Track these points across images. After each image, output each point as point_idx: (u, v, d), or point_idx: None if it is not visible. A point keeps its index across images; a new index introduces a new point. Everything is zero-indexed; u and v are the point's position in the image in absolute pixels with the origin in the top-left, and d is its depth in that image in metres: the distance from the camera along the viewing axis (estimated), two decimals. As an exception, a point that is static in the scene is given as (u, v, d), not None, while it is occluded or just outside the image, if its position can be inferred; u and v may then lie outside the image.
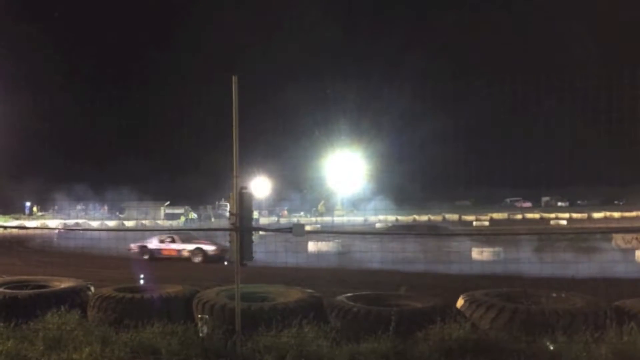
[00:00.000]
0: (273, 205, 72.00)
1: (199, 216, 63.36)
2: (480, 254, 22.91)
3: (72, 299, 9.01)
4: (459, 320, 7.58)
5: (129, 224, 53.38)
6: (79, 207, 66.73)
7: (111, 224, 53.58)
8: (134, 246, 26.01)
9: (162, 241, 25.68)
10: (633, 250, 23.33)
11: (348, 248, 26.75)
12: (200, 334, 7.26)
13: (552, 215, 61.99)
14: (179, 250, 24.92)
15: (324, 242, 26.26)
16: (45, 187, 59.54)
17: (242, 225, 7.40)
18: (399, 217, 60.02)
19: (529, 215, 65.51)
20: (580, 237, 27.12)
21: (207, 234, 27.85)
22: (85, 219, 57.15)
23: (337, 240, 26.64)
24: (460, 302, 8.47)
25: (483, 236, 31.04)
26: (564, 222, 55.49)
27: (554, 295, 8.89)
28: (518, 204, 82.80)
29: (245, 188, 7.55)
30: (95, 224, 52.02)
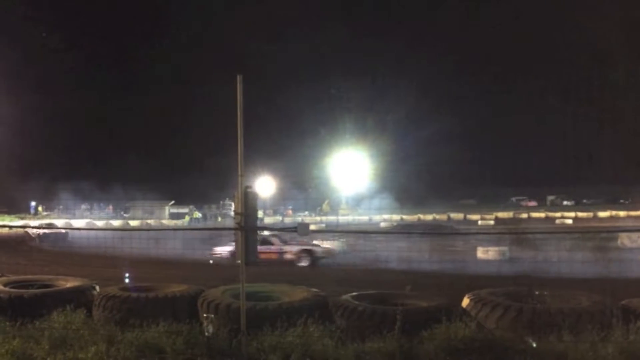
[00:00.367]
0: (277, 205, 72.03)
1: (204, 215, 63.42)
2: (485, 253, 22.88)
3: (78, 298, 9.04)
4: (465, 320, 7.57)
5: (134, 223, 53.48)
6: (83, 206, 66.96)
7: (116, 223, 53.68)
8: (220, 250, 23.40)
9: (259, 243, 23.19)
10: (639, 249, 23.27)
11: (353, 247, 26.73)
12: (206, 333, 7.27)
13: (558, 214, 61.73)
14: (280, 253, 22.38)
15: (328, 241, 26.23)
16: (51, 187, 59.86)
17: (247, 225, 7.39)
18: (404, 216, 59.89)
19: (535, 214, 65.26)
20: (586, 236, 27.00)
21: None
22: (90, 218, 57.25)
23: (341, 240, 26.62)
24: (465, 302, 8.46)
25: (488, 235, 30.94)
26: (570, 221, 55.35)
27: (560, 294, 8.87)
28: (523, 203, 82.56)
29: (250, 187, 7.54)
30: (100, 223, 52.11)
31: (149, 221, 55.51)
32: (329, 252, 22.68)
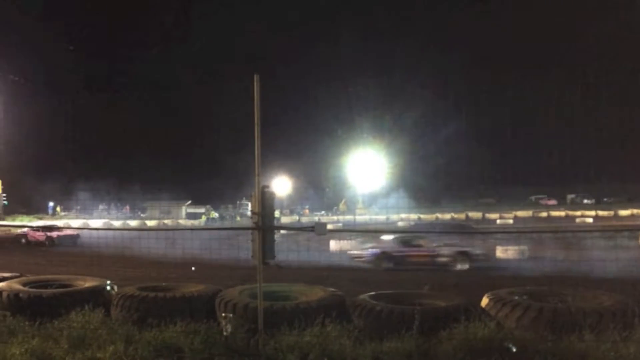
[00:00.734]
0: (294, 204, 72.14)
1: (221, 215, 63.65)
2: (504, 252, 22.66)
3: (96, 298, 9.12)
4: (484, 319, 7.50)
5: (151, 223, 53.86)
6: (101, 206, 67.61)
7: (133, 223, 54.08)
8: (360, 252, 21.65)
9: (406, 243, 20.61)
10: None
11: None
12: (225, 333, 7.27)
13: (578, 213, 61.00)
14: (432, 256, 20.03)
15: (345, 241, 26.18)
16: (69, 188, 60.53)
17: (265, 224, 7.39)
18: (422, 216, 59.64)
19: (554, 213, 64.62)
20: (607, 235, 26.66)
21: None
22: (108, 218, 57.77)
23: (359, 239, 26.54)
24: (484, 301, 8.39)
25: (507, 234, 30.67)
26: (590, 220, 54.70)
27: (581, 293, 8.76)
28: (543, 202, 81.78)
29: (267, 187, 7.54)
30: (117, 223, 52.54)
31: (165, 221, 55.87)
32: (486, 255, 20.55)
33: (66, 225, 42.69)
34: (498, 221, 56.44)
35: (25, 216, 55.34)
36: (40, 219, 54.54)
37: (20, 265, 19.31)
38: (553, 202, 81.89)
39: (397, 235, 23.08)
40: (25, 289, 9.52)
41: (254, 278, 7.62)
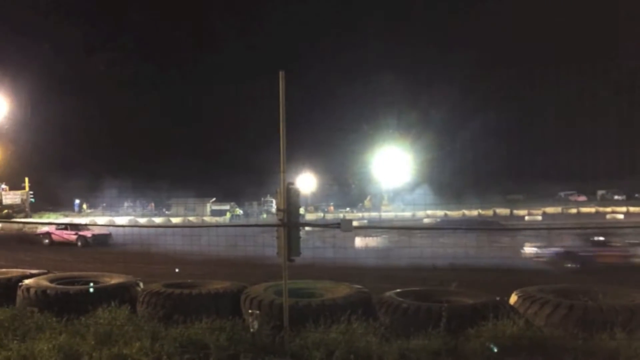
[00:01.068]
0: (319, 201, 72.08)
1: (245, 212, 63.88)
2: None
3: (122, 294, 9.22)
4: (512, 317, 7.39)
5: (175, 220, 54.31)
6: (126, 204, 68.39)
7: (158, 220, 54.56)
8: (535, 251, 19.98)
9: (594, 242, 18.73)
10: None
11: (396, 243, 26.51)
12: (251, 329, 7.26)
13: (609, 209, 59.98)
14: (626, 256, 18.16)
15: (371, 238, 26.09)
16: (94, 185, 61.35)
17: (290, 221, 7.36)
18: (448, 212, 59.11)
19: (584, 209, 63.56)
20: (638, 231, 26.11)
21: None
22: (133, 215, 58.40)
23: (384, 236, 26.43)
24: (513, 299, 8.28)
25: (536, 231, 30.24)
26: (621, 216, 53.70)
27: (612, 291, 8.59)
28: (572, 198, 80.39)
29: (292, 184, 7.51)
30: (142, 220, 53.04)
31: (190, 218, 56.27)
32: None
33: (92, 223, 41.43)
34: (526, 218, 55.70)
35: (51, 213, 56.13)
36: (66, 216, 55.24)
37: (48, 262, 19.65)
38: (583, 198, 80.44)
39: (581, 233, 20.51)
40: (53, 285, 9.64)
41: (279, 275, 7.60)
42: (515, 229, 33.33)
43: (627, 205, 64.57)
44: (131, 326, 7.72)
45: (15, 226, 39.40)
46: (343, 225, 7.76)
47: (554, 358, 6.51)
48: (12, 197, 57.71)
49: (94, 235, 29.90)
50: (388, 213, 61.59)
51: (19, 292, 9.41)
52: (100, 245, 29.03)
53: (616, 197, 78.80)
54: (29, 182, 59.45)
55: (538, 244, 20.60)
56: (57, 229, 30.73)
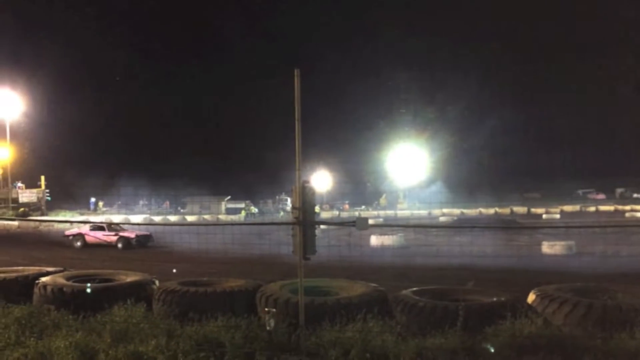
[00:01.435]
0: (334, 199, 72.04)
1: (260, 210, 64.00)
2: (551, 247, 22.12)
3: (138, 292, 9.23)
4: (530, 316, 7.31)
5: (191, 218, 54.52)
6: (141, 202, 68.84)
7: (173, 218, 54.84)
8: None
9: None
10: None
11: (412, 242, 26.40)
12: (268, 327, 7.25)
13: (627, 207, 59.23)
14: None
15: (387, 236, 25.98)
16: (110, 183, 61.84)
17: (305, 219, 7.33)
18: (464, 210, 58.76)
19: (603, 208, 62.85)
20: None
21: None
22: (148, 213, 58.72)
23: (400, 234, 26.32)
24: (531, 297, 8.19)
25: (554, 229, 29.94)
26: (640, 214, 53.04)
27: (632, 290, 8.46)
28: (591, 196, 79.58)
29: (308, 182, 7.49)
30: (158, 218, 53.30)
31: (205, 216, 56.48)
32: None
33: (108, 221, 39.03)
34: (544, 216, 55.21)
35: (67, 212, 56.52)
36: (82, 214, 55.60)
37: (64, 260, 19.77)
38: (601, 196, 79.65)
39: None
40: (69, 283, 9.70)
41: (294, 273, 7.58)
42: (532, 227, 33.05)
43: (646, 203, 63.69)
44: (147, 324, 7.74)
45: (32, 224, 39.69)
46: (358, 224, 7.72)
47: (573, 357, 6.43)
48: (28, 196, 58.27)
49: (137, 237, 26.93)
50: (404, 211, 61.40)
51: (36, 290, 9.47)
52: (142, 247, 26.64)
53: (635, 195, 77.85)
54: (45, 180, 60.06)
55: None
56: (91, 229, 27.59)
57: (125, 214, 56.44)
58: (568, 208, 61.56)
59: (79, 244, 27.25)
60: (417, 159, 66.45)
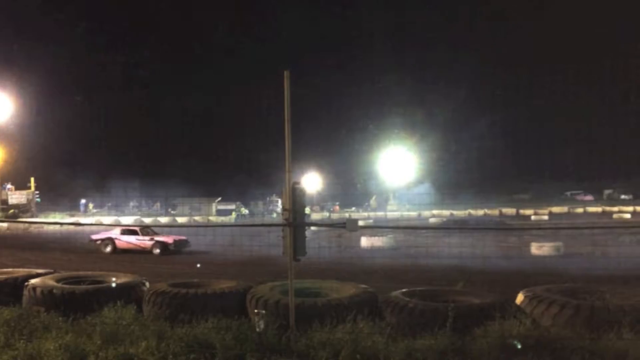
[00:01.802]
0: (324, 201, 72.11)
1: (251, 212, 63.90)
2: (539, 248, 22.25)
3: (128, 294, 9.22)
4: (519, 317, 7.37)
5: (181, 220, 54.33)
6: (132, 203, 68.54)
7: (163, 220, 54.58)
8: None
9: None
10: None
11: (402, 243, 26.48)
12: (257, 329, 7.26)
13: (615, 209, 59.68)
14: None
15: (377, 237, 26.04)
16: (100, 185, 61.50)
17: (296, 221, 7.36)
18: (454, 212, 58.96)
19: (591, 209, 63.31)
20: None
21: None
22: (139, 215, 58.49)
23: (390, 235, 26.39)
24: (520, 298, 8.24)
25: (542, 231, 30.14)
26: (628, 216, 53.44)
27: (619, 291, 8.54)
28: (579, 197, 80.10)
29: (298, 183, 7.52)
30: (148, 220, 53.03)
31: (196, 218, 56.32)
32: None
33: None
34: (533, 217, 55.50)
35: (57, 213, 56.18)
36: (72, 216, 55.29)
37: (54, 260, 19.62)
38: (589, 197, 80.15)
39: None
40: (59, 285, 9.64)
41: (284, 274, 7.60)
42: (521, 229, 33.25)
43: (634, 204, 64.20)
44: (137, 325, 7.73)
45: (21, 226, 39.30)
46: (349, 225, 7.77)
47: (561, 358, 6.49)
48: (17, 197, 57.80)
49: (175, 242, 24.46)
50: (394, 212, 61.49)
51: (25, 292, 9.42)
52: (178, 252, 24.33)
53: (623, 196, 78.52)
54: (35, 181, 59.66)
55: None
56: (122, 233, 25.18)
57: (116, 215, 56.16)
58: (556, 209, 61.88)
59: (108, 249, 24.82)
60: (407, 161, 66.66)
